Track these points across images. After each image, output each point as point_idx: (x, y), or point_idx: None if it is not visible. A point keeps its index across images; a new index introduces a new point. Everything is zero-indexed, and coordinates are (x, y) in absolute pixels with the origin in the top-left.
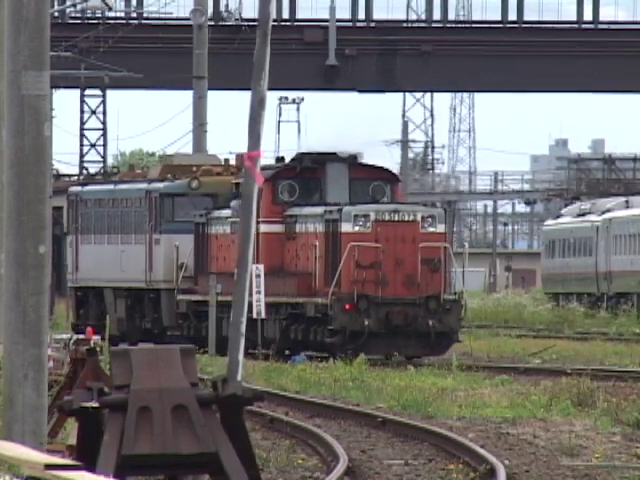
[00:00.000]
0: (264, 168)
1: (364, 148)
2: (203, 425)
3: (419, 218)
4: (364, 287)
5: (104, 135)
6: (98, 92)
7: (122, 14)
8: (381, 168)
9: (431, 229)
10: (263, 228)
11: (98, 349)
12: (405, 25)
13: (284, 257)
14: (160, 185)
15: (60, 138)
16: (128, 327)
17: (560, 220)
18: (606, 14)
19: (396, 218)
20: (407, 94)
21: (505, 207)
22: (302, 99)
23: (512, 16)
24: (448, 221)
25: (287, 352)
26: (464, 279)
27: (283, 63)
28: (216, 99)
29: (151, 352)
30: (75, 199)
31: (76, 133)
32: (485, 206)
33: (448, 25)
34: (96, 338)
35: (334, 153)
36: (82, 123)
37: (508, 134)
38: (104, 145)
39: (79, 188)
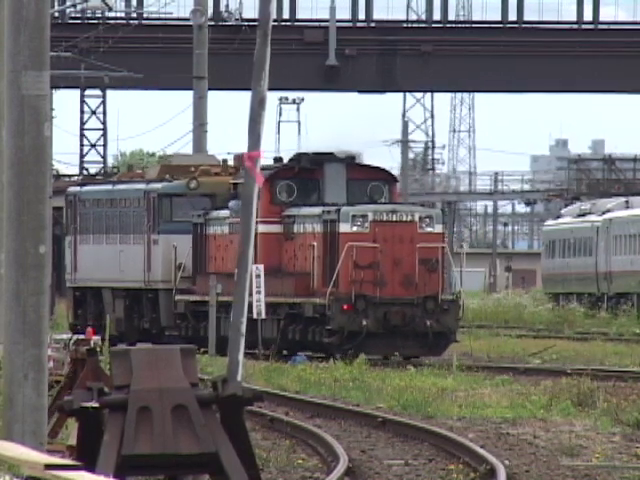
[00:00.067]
0: (262, 168)
1: (364, 148)
2: (203, 425)
3: (417, 218)
4: (362, 287)
5: (104, 135)
6: (98, 92)
7: (122, 14)
8: (378, 168)
9: (429, 229)
10: (261, 228)
11: (98, 349)
12: (405, 25)
13: (282, 257)
14: (158, 185)
15: (60, 138)
16: (126, 327)
17: (560, 220)
18: (606, 14)
19: (394, 218)
20: (407, 94)
21: (505, 207)
22: (302, 99)
23: (512, 16)
24: (449, 221)
25: (285, 352)
26: (462, 279)
27: (283, 63)
28: (216, 99)
29: (151, 352)
30: (73, 199)
31: (76, 133)
32: (485, 206)
33: (448, 25)
34: (96, 338)
35: (332, 153)
36: (82, 123)
37: (508, 134)
38: (104, 145)
39: (77, 188)
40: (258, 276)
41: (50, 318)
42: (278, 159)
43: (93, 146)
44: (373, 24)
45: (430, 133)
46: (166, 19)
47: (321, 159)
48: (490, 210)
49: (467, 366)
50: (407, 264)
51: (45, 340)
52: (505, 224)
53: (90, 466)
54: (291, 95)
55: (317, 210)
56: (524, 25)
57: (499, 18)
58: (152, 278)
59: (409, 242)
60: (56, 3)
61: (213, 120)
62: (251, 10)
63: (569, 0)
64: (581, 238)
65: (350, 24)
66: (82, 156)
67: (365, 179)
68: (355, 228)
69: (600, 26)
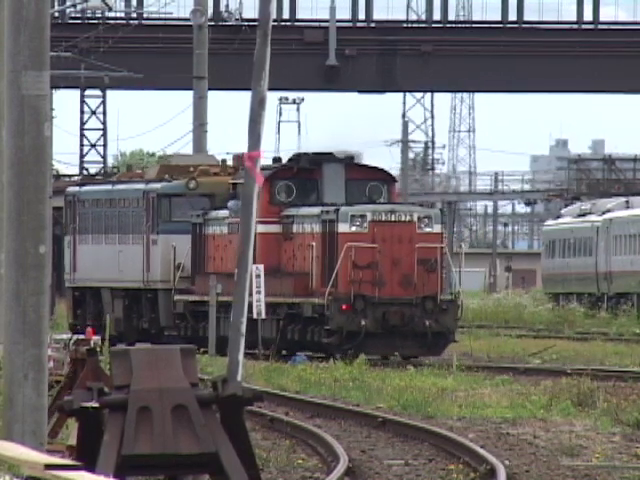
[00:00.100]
0: (261, 168)
1: (364, 148)
2: (203, 425)
3: (415, 218)
4: (361, 287)
5: (104, 135)
6: (98, 92)
7: (122, 14)
8: (377, 168)
9: (427, 229)
10: (260, 228)
11: (98, 349)
12: (405, 25)
13: (281, 257)
14: (157, 185)
15: (60, 138)
16: (125, 327)
17: (560, 220)
18: (606, 14)
19: (393, 218)
20: (407, 94)
21: (505, 207)
22: (302, 99)
23: (512, 16)
24: (449, 221)
25: (284, 352)
26: (460, 279)
27: (283, 63)
28: (216, 99)
29: (151, 352)
30: (72, 199)
31: (76, 133)
32: (485, 206)
33: (448, 25)
34: (96, 338)
35: (331, 153)
36: (82, 123)
37: (508, 134)
38: (104, 145)
39: (76, 188)
40: (258, 276)
41: (50, 318)
42: (277, 159)
43: (93, 146)
44: (373, 24)
45: (430, 133)
46: (166, 19)
47: (320, 159)
48: (490, 210)
49: (467, 366)
50: (406, 264)
51: (45, 340)
52: (505, 224)
53: (90, 466)
54: (291, 95)
55: (316, 210)
56: (524, 25)
57: (499, 18)
58: (151, 278)
59: (408, 242)
60: (56, 3)
61: (213, 120)
62: (251, 10)
63: (569, 0)
64: (581, 238)
65: (350, 24)
66: (82, 156)
67: (364, 179)
68: (354, 228)
69: (600, 26)
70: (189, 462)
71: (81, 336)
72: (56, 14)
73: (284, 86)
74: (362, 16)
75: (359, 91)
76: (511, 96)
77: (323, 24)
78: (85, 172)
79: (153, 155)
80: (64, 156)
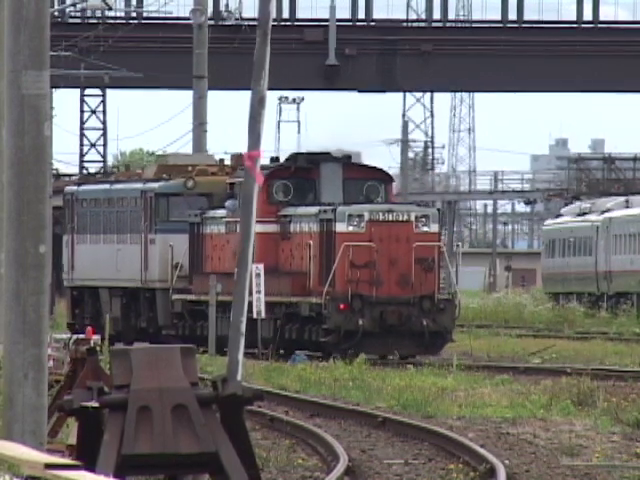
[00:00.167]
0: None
1: (364, 148)
2: (203, 425)
3: (413, 218)
4: (358, 287)
5: (104, 135)
6: (98, 92)
7: (122, 14)
8: (375, 168)
9: (425, 229)
10: (258, 228)
11: (98, 349)
12: (405, 25)
13: (278, 257)
14: (155, 185)
15: (60, 138)
16: (123, 326)
17: (560, 220)
18: (606, 14)
19: (390, 218)
20: (407, 94)
21: (505, 207)
22: (302, 99)
23: (512, 16)
24: (449, 221)
25: (282, 352)
26: (458, 278)
27: (283, 63)
28: (216, 99)
29: (151, 352)
30: (71, 199)
31: (76, 133)
32: (485, 206)
33: (448, 25)
34: (96, 338)
35: (328, 153)
36: (82, 123)
37: (508, 134)
38: (104, 145)
39: (75, 188)
40: (258, 275)
41: (50, 317)
42: (275, 159)
43: (93, 145)
44: (373, 23)
45: (430, 133)
46: (166, 18)
47: (317, 159)
48: (490, 209)
49: (467, 366)
50: (403, 263)
51: (45, 340)
52: (505, 223)
53: (90, 466)
54: (291, 94)
55: (313, 210)
56: (524, 25)
57: (499, 18)
58: (149, 277)
59: (405, 242)
60: (56, 3)
61: (213, 120)
62: (251, 9)
63: (569, 0)
64: (581, 237)
65: (350, 23)
66: (82, 155)
67: (361, 179)
68: (351, 228)
69: (600, 26)
70: (189, 462)
71: (81, 335)
72: (56, 13)
73: (284, 85)
74: (362, 15)
75: (359, 90)
76: (511, 96)
77: (323, 23)
78: (85, 171)
79: (153, 154)
80: (64, 156)
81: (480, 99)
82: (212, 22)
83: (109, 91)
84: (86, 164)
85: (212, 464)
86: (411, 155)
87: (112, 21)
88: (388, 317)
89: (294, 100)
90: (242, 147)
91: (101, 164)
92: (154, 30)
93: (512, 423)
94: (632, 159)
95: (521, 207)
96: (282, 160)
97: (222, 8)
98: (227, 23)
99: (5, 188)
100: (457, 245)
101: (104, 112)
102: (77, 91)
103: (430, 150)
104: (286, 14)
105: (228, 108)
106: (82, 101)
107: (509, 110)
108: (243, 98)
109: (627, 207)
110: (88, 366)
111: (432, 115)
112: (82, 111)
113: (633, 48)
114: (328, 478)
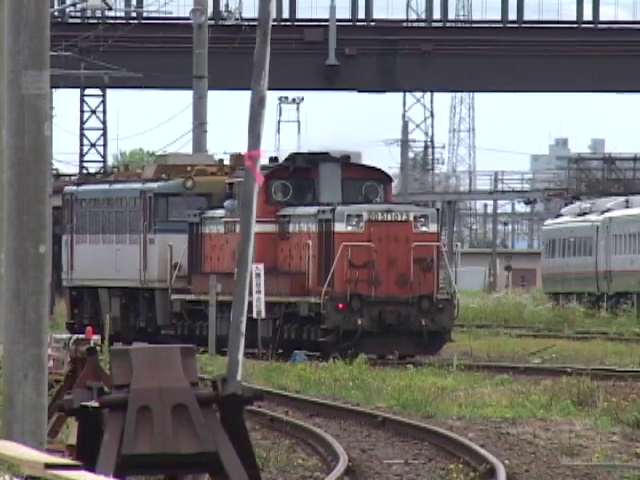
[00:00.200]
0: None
1: (364, 148)
2: (203, 425)
3: (412, 218)
4: (357, 286)
5: (104, 135)
6: (98, 92)
7: (122, 14)
8: (374, 168)
9: (424, 229)
10: (256, 228)
11: (98, 348)
12: (405, 25)
13: (277, 257)
14: (154, 185)
15: (60, 138)
16: (122, 326)
17: (560, 220)
18: (606, 14)
19: (389, 218)
20: (407, 94)
21: (505, 207)
22: (302, 99)
23: (512, 16)
24: (449, 221)
25: (280, 351)
26: (456, 278)
27: (283, 63)
28: (216, 99)
29: (151, 352)
30: (70, 199)
31: (76, 133)
32: (485, 206)
33: (448, 25)
34: (96, 338)
35: (327, 153)
36: (82, 123)
37: (508, 134)
38: (104, 145)
39: (74, 188)
40: (258, 275)
41: (50, 317)
42: (273, 159)
43: (93, 145)
44: (373, 23)
45: (430, 133)
46: (166, 18)
47: (316, 159)
48: (490, 209)
49: (467, 365)
50: (402, 263)
51: (45, 340)
52: (505, 223)
53: (90, 465)
54: (291, 94)
55: (312, 210)
56: (524, 25)
57: (499, 18)
58: (148, 277)
59: (404, 241)
60: (56, 2)
61: (213, 120)
62: (251, 9)
63: (569, 0)
64: (581, 237)
65: (350, 23)
66: (82, 156)
67: (360, 179)
68: (350, 228)
69: (600, 26)
70: (189, 462)
71: (81, 335)
72: (56, 13)
73: (284, 85)
74: (362, 15)
75: (359, 90)
76: (511, 96)
77: (323, 23)
78: (85, 171)
79: (153, 154)
80: (64, 156)
81: (480, 99)
82: (212, 22)
83: (109, 91)
84: (86, 164)
85: (212, 464)
86: (411, 155)
87: (112, 21)
88: (387, 317)
89: (294, 100)
90: (242, 147)
91: (101, 164)
92: (154, 30)
93: (512, 423)
94: (632, 159)
95: (521, 207)
96: (281, 160)
97: (222, 8)
98: (227, 23)
99: (5, 188)
100: (456, 245)
101: (104, 112)
102: (77, 91)
103: (430, 150)
104: (286, 14)
105: (228, 108)
106: (82, 101)
107: (509, 110)
108: (243, 98)
109: (627, 207)
110: (88, 366)
111: (432, 115)
112: (82, 111)
113: (633, 48)
114: (328, 478)
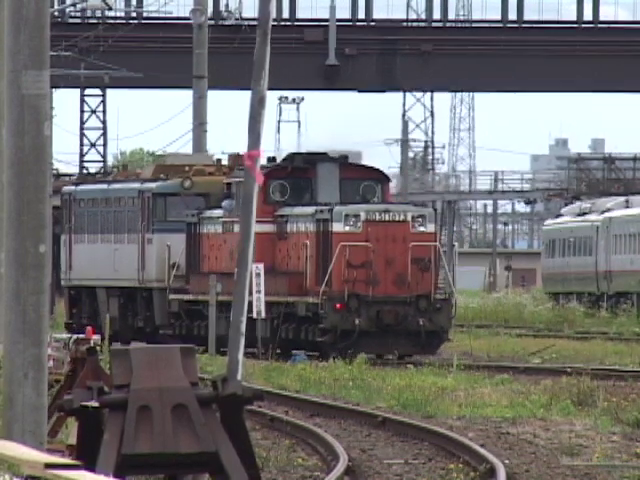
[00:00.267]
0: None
1: (364, 148)
2: (203, 424)
3: (409, 218)
4: (355, 286)
5: (104, 134)
6: (98, 91)
7: (122, 14)
8: (372, 168)
9: (421, 229)
10: (255, 228)
11: (98, 348)
12: (405, 25)
13: (275, 257)
14: (153, 185)
15: (60, 138)
16: (121, 326)
17: (560, 220)
18: (606, 14)
19: (387, 218)
20: (407, 94)
21: (505, 207)
22: (302, 99)
23: (512, 16)
24: (449, 220)
25: (278, 351)
26: (454, 278)
27: (283, 63)
28: (216, 99)
29: (151, 351)
30: (69, 199)
31: (76, 132)
32: (485, 206)
33: (448, 25)
34: (96, 337)
35: (325, 153)
36: (82, 122)
37: (508, 134)
38: (104, 145)
39: (73, 188)
40: (258, 275)
41: (50, 317)
42: (271, 159)
43: (93, 145)
44: (373, 23)
45: (430, 132)
46: (166, 18)
47: (314, 159)
48: (490, 209)
49: (467, 365)
50: (400, 263)
51: (45, 339)
52: (505, 223)
53: (90, 465)
54: (291, 94)
55: (310, 210)
56: (524, 25)
57: (499, 18)
58: (146, 277)
59: (402, 241)
60: (56, 2)
61: (213, 120)
62: (251, 9)
63: (569, 0)
64: (581, 237)
65: (350, 23)
66: (82, 155)
67: (358, 179)
68: (348, 228)
69: (600, 26)
70: (189, 461)
71: (81, 335)
72: (56, 13)
73: (284, 85)
74: (362, 15)
75: (359, 90)
76: (511, 96)
77: (323, 23)
78: (85, 171)
79: (153, 154)
80: (64, 155)
81: (480, 99)
82: (212, 22)
83: (109, 91)
84: (86, 164)
85: (212, 464)
86: (411, 155)
87: (112, 21)
88: (384, 317)
89: (294, 100)
90: (241, 147)
91: (101, 164)
92: (154, 30)
93: (512, 423)
94: (632, 159)
95: (521, 207)
96: (279, 160)
97: (222, 8)
98: (227, 23)
99: (5, 188)
100: (453, 245)
101: (104, 112)
102: (77, 91)
103: (430, 150)
104: (286, 14)
105: (228, 108)
106: (82, 101)
107: (509, 110)
108: (243, 98)
109: (627, 207)
110: (88, 366)
111: (432, 115)
112: (82, 111)
113: (633, 48)
114: (328, 478)
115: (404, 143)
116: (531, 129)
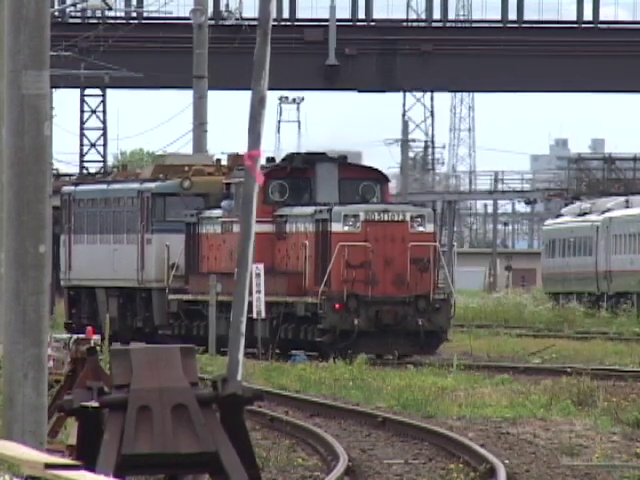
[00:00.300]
0: None
1: (364, 148)
2: (203, 424)
3: (408, 218)
4: (354, 286)
5: (104, 135)
6: (98, 91)
7: (122, 14)
8: (370, 168)
9: (420, 229)
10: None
11: (98, 348)
12: (405, 25)
13: (274, 257)
14: (152, 185)
15: (60, 138)
16: (120, 326)
17: (560, 220)
18: (606, 14)
19: (386, 218)
20: (407, 94)
21: (505, 207)
22: (302, 99)
23: (512, 16)
24: (449, 220)
25: (277, 351)
26: (453, 278)
27: (283, 63)
28: (216, 99)
29: (151, 352)
30: (68, 199)
31: (76, 133)
32: (485, 206)
33: (448, 25)
34: (96, 337)
35: (324, 153)
36: (82, 122)
37: (508, 134)
38: (104, 145)
39: (72, 188)
40: (258, 275)
41: (50, 317)
42: (270, 159)
43: (93, 145)
44: (373, 23)
45: (430, 132)
46: (166, 18)
47: (313, 159)
48: (490, 209)
49: (467, 365)
50: (399, 263)
51: (45, 339)
52: (505, 223)
53: (90, 465)
54: (291, 94)
55: (309, 210)
56: (524, 25)
57: (499, 18)
58: (145, 277)
59: (401, 241)
60: (56, 2)
61: (213, 120)
62: (251, 9)
63: (569, 0)
64: (581, 237)
65: (350, 23)
66: (82, 155)
67: (357, 179)
68: (347, 228)
69: (600, 26)
70: (189, 461)
71: (81, 335)
72: (56, 13)
73: (284, 85)
74: (362, 15)
75: (359, 90)
76: (511, 96)
77: (323, 23)
78: (85, 171)
79: (153, 154)
80: (64, 156)
81: (480, 99)
82: (212, 22)
83: (109, 91)
84: (86, 164)
85: (212, 464)
86: (411, 155)
87: (112, 21)
88: (383, 317)
89: (294, 100)
90: (241, 147)
91: (101, 164)
92: (154, 30)
93: (512, 423)
94: (632, 159)
95: (521, 207)
96: (277, 160)
97: (222, 8)
98: (227, 23)
99: (5, 188)
100: (452, 245)
101: (104, 112)
102: (77, 91)
103: (430, 150)
104: (286, 14)
105: (228, 108)
106: (82, 101)
107: (509, 110)
108: (243, 98)
109: (627, 207)
110: (88, 366)
111: (432, 115)
112: (82, 111)
113: (633, 48)
114: (328, 478)
115: (404, 143)
116: (531, 129)
